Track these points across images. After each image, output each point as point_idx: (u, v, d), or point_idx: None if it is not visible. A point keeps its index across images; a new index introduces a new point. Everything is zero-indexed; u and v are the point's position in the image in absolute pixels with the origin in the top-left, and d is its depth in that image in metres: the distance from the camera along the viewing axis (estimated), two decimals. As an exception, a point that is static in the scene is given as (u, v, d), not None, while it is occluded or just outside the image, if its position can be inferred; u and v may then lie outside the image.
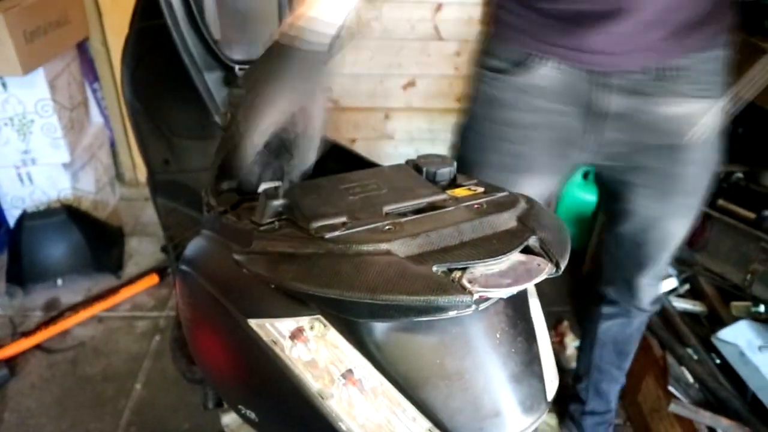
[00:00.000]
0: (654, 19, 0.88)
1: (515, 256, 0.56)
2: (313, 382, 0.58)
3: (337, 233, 0.58)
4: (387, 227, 0.58)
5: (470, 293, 0.50)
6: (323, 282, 0.53)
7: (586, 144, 1.01)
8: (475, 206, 0.63)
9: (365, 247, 0.55)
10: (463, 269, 0.53)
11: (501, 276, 0.53)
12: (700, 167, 1.04)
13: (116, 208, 2.59)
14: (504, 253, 0.54)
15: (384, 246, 0.55)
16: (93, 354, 1.85)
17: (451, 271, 0.53)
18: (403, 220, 0.60)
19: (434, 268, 0.52)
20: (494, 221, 0.60)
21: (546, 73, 0.96)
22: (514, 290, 0.52)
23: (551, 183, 1.09)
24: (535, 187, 1.03)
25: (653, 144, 0.99)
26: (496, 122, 1.03)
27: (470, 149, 1.08)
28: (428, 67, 2.46)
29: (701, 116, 0.97)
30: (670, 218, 1.09)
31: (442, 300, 0.49)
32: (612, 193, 1.12)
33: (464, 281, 0.51)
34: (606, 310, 1.32)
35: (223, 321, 0.69)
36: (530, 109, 0.99)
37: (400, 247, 0.55)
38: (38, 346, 1.85)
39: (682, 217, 1.10)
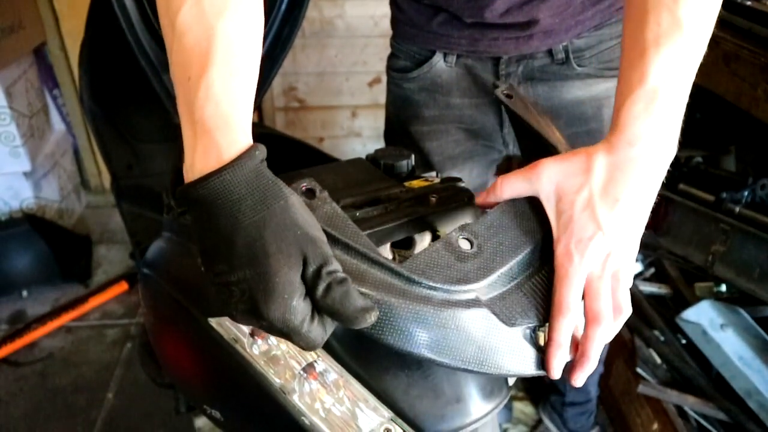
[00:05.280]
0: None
1: None
2: (275, 378, 0.59)
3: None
4: (463, 240, 0.52)
5: None
6: (423, 343, 0.47)
7: (506, 137, 1.00)
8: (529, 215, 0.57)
9: (454, 296, 0.49)
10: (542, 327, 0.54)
11: None
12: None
13: (82, 215, 2.54)
14: None
15: (471, 292, 0.50)
16: (62, 365, 1.82)
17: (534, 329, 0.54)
18: (478, 228, 0.54)
19: (524, 331, 0.52)
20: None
21: (449, 68, 0.95)
22: None
23: (476, 175, 1.07)
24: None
25: (569, 133, 0.95)
26: (408, 122, 1.02)
27: None
28: (393, 64, 2.46)
29: (613, 96, 0.93)
30: None
31: (534, 372, 0.52)
32: None
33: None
34: None
35: (184, 321, 0.69)
36: (438, 106, 0.98)
37: (484, 291, 0.51)
38: (4, 360, 1.81)
39: None
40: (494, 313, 0.49)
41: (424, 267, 0.49)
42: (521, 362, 0.51)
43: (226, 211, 0.42)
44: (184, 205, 0.46)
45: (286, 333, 0.42)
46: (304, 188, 0.47)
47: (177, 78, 0.48)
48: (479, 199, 0.58)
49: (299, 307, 0.41)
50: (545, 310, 0.53)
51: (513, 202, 0.57)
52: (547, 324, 0.53)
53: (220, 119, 0.45)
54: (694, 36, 0.53)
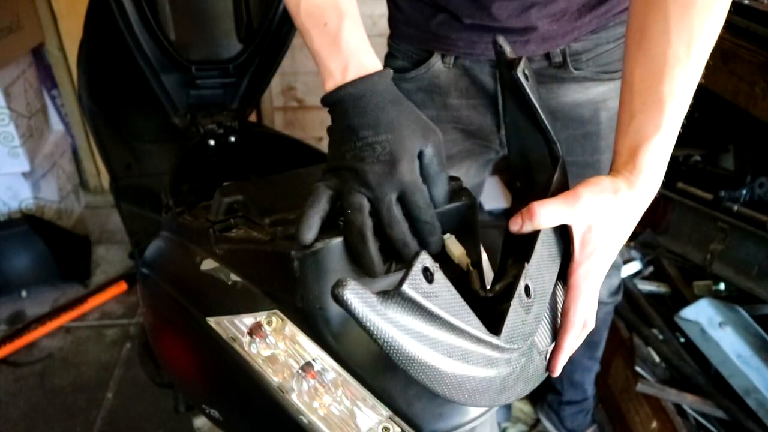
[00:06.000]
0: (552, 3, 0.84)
1: None
2: (273, 377, 0.59)
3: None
4: (526, 288, 0.55)
5: None
6: (501, 397, 0.53)
7: (503, 139, 0.99)
8: None
9: (524, 347, 0.55)
10: None
11: None
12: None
13: (81, 216, 2.54)
14: None
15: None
16: (62, 365, 1.82)
17: None
18: (532, 271, 0.56)
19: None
20: None
21: (447, 69, 0.95)
22: None
23: (473, 174, 1.07)
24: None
25: (566, 135, 0.96)
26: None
27: None
28: (392, 63, 2.46)
29: (610, 99, 0.94)
30: None
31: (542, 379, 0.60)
32: None
33: None
34: None
35: (183, 321, 0.69)
36: (435, 107, 0.98)
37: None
38: (4, 360, 1.81)
39: None
40: (536, 348, 0.55)
41: (512, 333, 0.52)
42: (539, 377, 0.58)
43: (374, 99, 0.58)
44: (334, 99, 0.59)
45: (407, 184, 0.55)
46: (422, 267, 0.46)
47: (309, 23, 0.62)
48: (514, 227, 0.57)
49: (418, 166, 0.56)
50: (555, 326, 0.59)
51: (550, 232, 0.57)
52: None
53: (362, 48, 0.61)
54: (697, 76, 0.61)
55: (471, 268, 0.59)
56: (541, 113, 0.62)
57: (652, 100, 0.60)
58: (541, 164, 0.64)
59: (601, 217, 0.57)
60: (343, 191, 0.56)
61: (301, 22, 0.63)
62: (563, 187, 0.61)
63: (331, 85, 0.60)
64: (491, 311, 0.52)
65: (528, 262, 0.54)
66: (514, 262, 0.59)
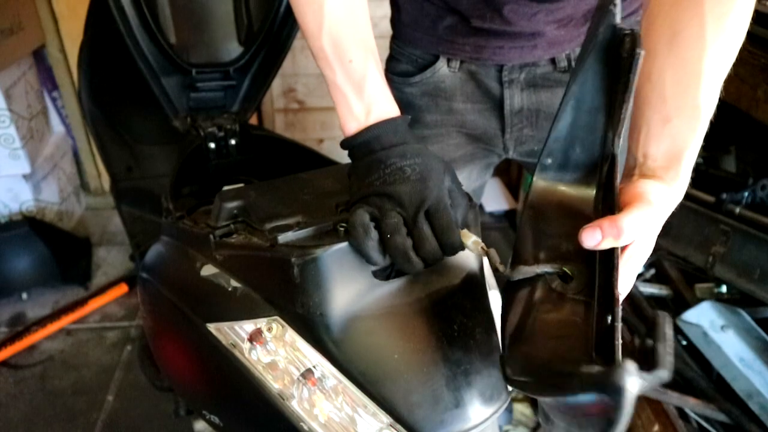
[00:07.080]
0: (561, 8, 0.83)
1: None
2: (274, 384, 0.58)
3: (291, 234, 0.57)
4: None
5: None
6: None
7: (508, 143, 0.99)
8: None
9: None
10: None
11: None
12: (622, 155, 0.98)
13: (82, 218, 2.53)
14: None
15: None
16: (62, 368, 1.81)
17: None
18: None
19: None
20: None
21: (452, 73, 0.94)
22: None
23: (475, 177, 1.07)
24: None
25: None
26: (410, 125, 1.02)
27: None
28: (393, 65, 2.45)
29: None
30: None
31: None
32: None
33: None
34: None
35: (183, 327, 0.69)
36: (440, 111, 0.98)
37: None
38: (4, 363, 1.80)
39: None
40: None
41: None
42: None
43: (398, 135, 0.63)
44: (359, 142, 0.63)
45: (435, 199, 0.58)
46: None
47: (332, 52, 0.63)
48: (590, 242, 0.52)
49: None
50: None
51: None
52: None
53: (385, 95, 0.65)
54: (723, 78, 0.59)
55: (487, 249, 0.59)
56: (632, 102, 0.56)
57: (688, 105, 0.59)
58: (586, 151, 0.60)
59: (653, 224, 0.56)
60: (380, 215, 0.58)
61: (321, 47, 0.63)
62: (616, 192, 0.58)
63: (354, 127, 0.63)
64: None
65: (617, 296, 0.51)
66: (547, 255, 0.59)
